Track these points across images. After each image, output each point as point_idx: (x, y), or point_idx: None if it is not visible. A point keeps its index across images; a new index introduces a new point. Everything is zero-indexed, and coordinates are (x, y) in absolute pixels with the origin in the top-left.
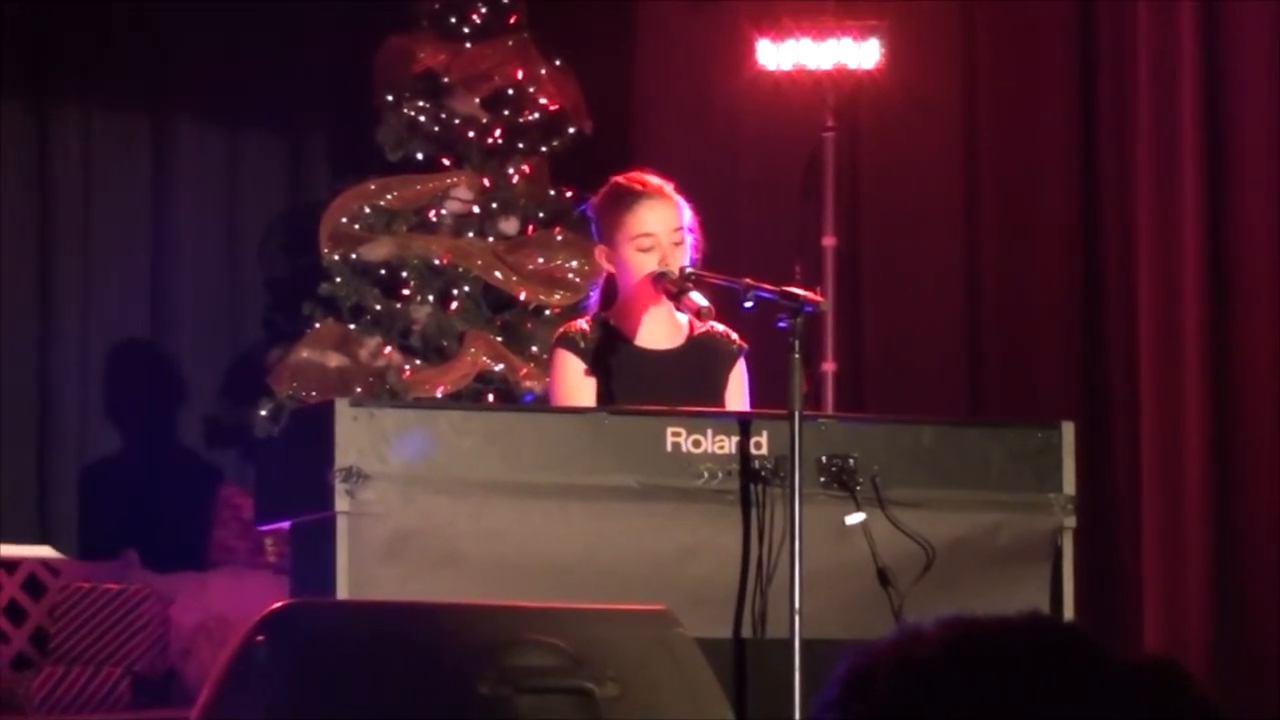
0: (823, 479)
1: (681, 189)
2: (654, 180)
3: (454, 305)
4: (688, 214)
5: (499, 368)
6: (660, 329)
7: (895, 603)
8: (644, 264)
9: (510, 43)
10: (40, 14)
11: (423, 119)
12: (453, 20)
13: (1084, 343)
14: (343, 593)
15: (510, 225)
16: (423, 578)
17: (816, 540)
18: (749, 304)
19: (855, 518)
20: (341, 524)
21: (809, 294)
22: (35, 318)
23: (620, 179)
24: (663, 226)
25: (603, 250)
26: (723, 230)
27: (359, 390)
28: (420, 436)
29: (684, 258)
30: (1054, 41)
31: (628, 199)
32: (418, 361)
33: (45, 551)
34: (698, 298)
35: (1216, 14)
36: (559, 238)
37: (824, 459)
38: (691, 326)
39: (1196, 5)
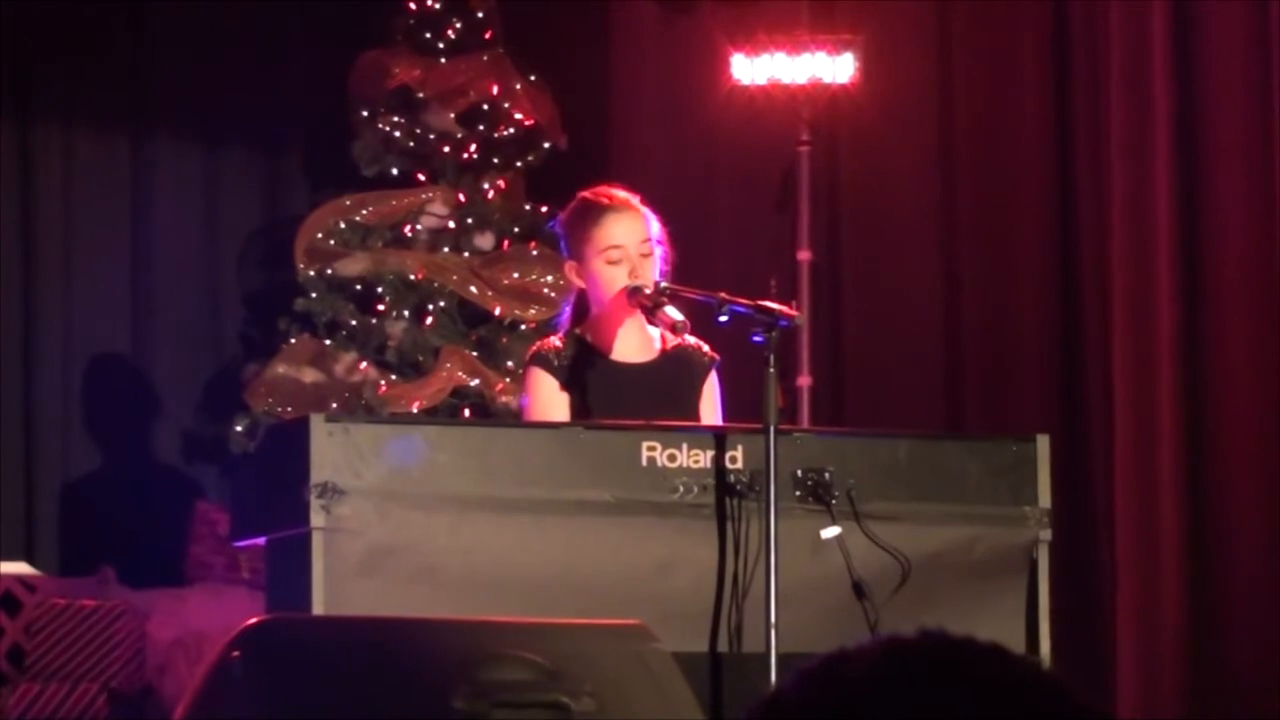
0: (798, 493)
1: (657, 203)
2: (620, 193)
3: (429, 320)
4: (655, 225)
5: (474, 383)
6: (634, 342)
7: (871, 616)
8: (614, 277)
9: (485, 58)
10: (19, 33)
11: (398, 134)
12: (428, 35)
13: (1061, 356)
14: (318, 608)
15: (485, 240)
16: (398, 593)
17: (792, 554)
18: (724, 318)
19: (831, 532)
20: (317, 540)
21: (784, 308)
22: (17, 334)
23: (586, 194)
24: (630, 238)
25: (572, 266)
26: (698, 244)
27: (334, 406)
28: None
29: (653, 269)
30: (1029, 53)
31: (594, 213)
32: (393, 377)
33: (21, 568)
34: (672, 312)
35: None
36: (534, 253)
37: (799, 473)
38: (664, 339)
39: (1170, 18)
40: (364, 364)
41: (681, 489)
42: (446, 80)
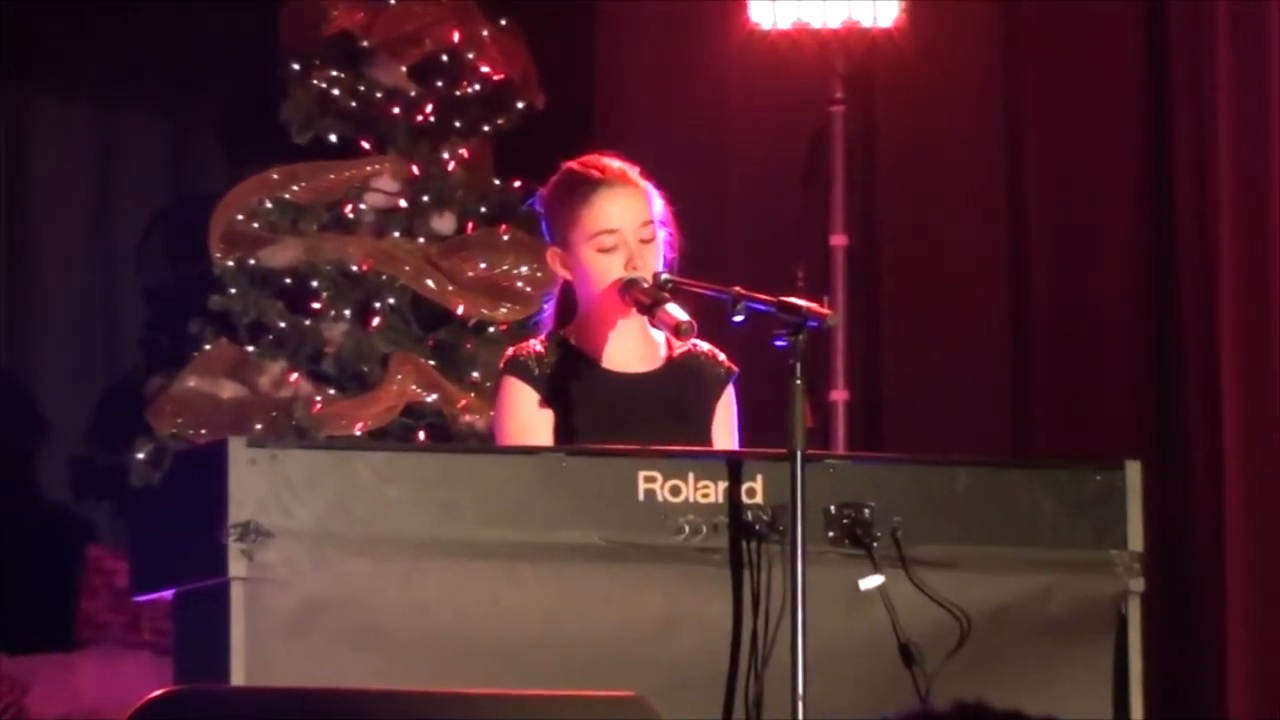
0: (832, 534)
1: (658, 176)
2: (615, 164)
3: (376, 321)
4: (658, 204)
5: (432, 398)
6: (631, 348)
7: (921, 685)
8: (606, 268)
9: None
10: None
11: (337, 92)
12: None
13: (1154, 364)
14: (238, 677)
15: (445, 223)
16: (338, 658)
17: (824, 609)
18: (739, 318)
19: (872, 581)
20: (237, 592)
21: (813, 305)
22: None
23: (574, 165)
24: (627, 220)
25: (556, 253)
26: (708, 227)
27: (259, 427)
28: None
29: (655, 259)
30: None
31: (583, 188)
32: (331, 391)
33: None
34: (676, 311)
35: None
36: (505, 238)
37: (833, 509)
38: (669, 346)
39: None
40: (295, 375)
41: (688, 529)
42: (397, 25)
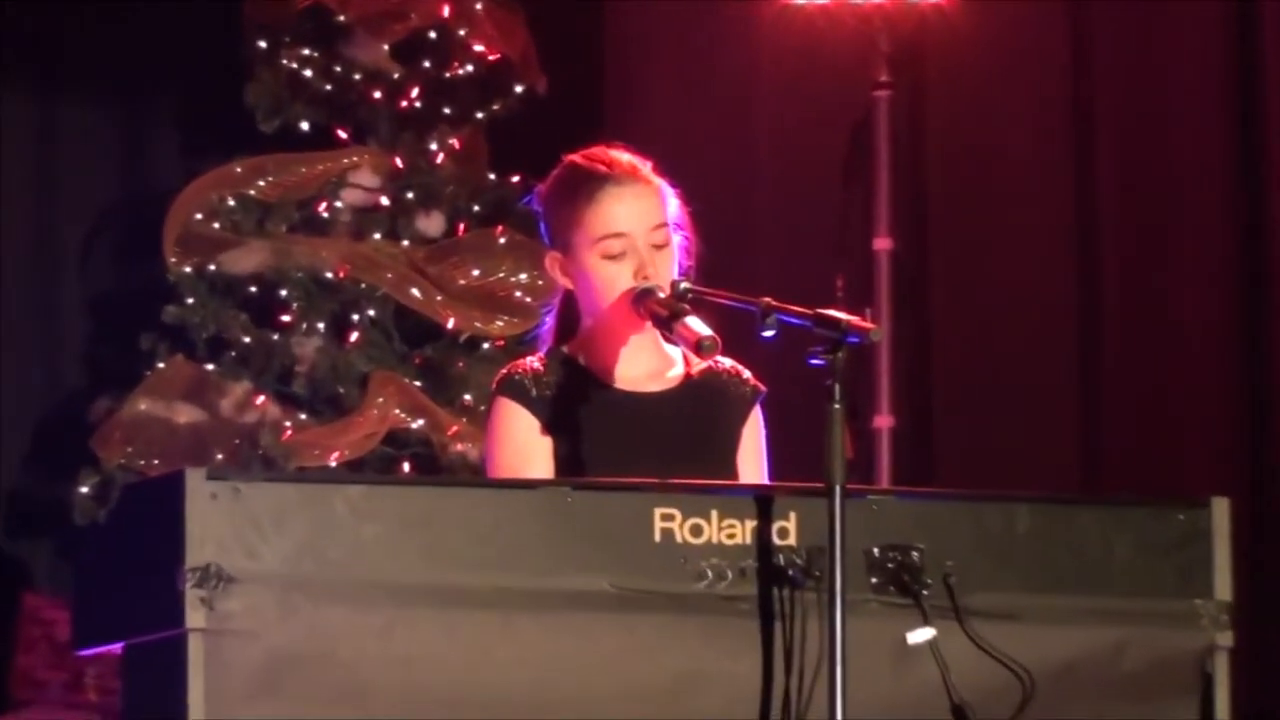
0: (875, 579)
1: (670, 172)
2: (624, 159)
3: (354, 336)
4: (673, 204)
5: (417, 424)
6: (644, 365)
7: None
8: (614, 276)
9: None
10: None
11: (309, 73)
12: None
13: (1243, 387)
14: None
15: (433, 223)
16: (309, 719)
17: (867, 666)
18: (769, 332)
19: (921, 635)
20: (195, 645)
21: (854, 319)
22: None
23: (577, 158)
24: (638, 223)
25: (556, 258)
26: (733, 229)
27: (220, 457)
28: None
29: (669, 266)
30: None
31: (587, 186)
32: (303, 416)
33: None
34: (697, 325)
35: None
36: (501, 241)
37: (877, 551)
38: (687, 363)
39: None
40: (261, 397)
41: (710, 574)
42: None
